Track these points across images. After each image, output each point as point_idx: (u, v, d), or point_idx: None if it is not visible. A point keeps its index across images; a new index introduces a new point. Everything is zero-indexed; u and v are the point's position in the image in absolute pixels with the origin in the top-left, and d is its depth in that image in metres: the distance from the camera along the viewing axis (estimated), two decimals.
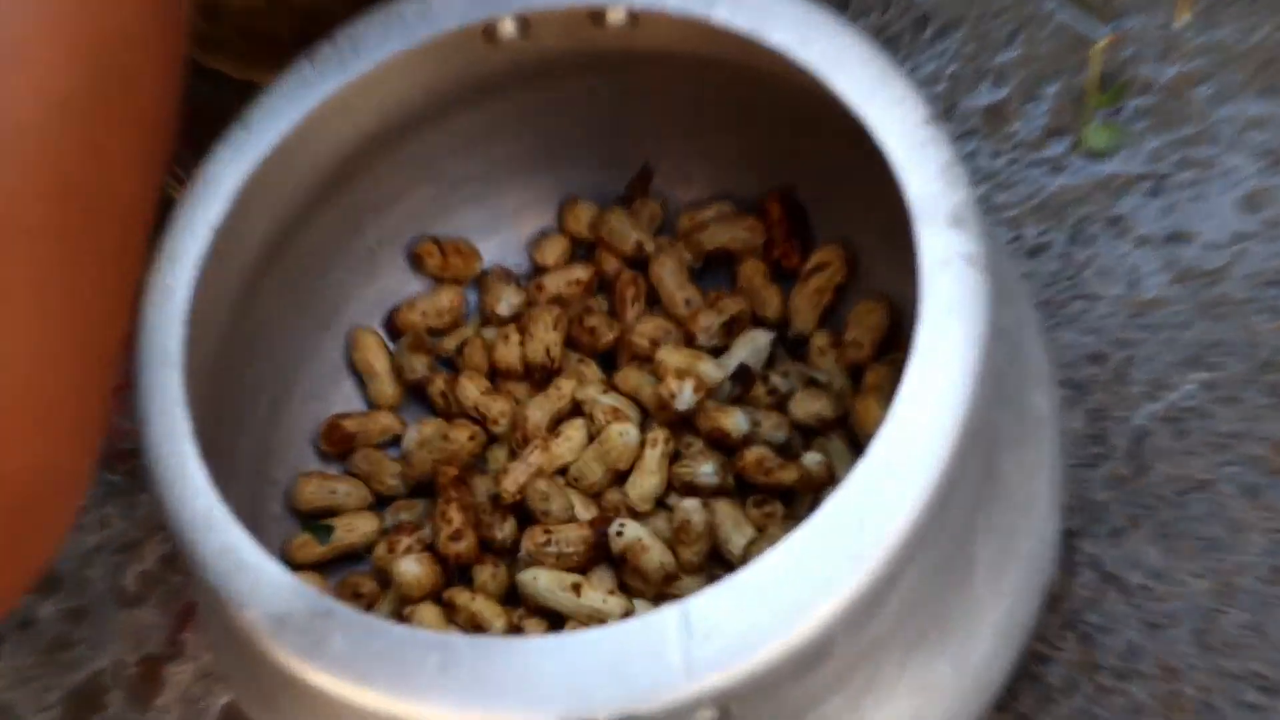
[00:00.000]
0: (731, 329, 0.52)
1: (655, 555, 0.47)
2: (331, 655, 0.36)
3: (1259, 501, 0.52)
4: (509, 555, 0.50)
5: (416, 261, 0.55)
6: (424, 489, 0.52)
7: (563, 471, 0.51)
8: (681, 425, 0.50)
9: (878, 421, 0.48)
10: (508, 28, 0.49)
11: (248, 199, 0.46)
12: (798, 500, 0.50)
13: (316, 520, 0.51)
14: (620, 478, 0.50)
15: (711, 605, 0.36)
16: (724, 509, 0.49)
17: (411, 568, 0.48)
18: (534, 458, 0.50)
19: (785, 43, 0.45)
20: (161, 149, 0.36)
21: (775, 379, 0.51)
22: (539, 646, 0.36)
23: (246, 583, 0.38)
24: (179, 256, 0.44)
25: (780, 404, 0.51)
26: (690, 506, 0.48)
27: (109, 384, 0.32)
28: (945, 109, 0.61)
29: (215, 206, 0.46)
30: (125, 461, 0.58)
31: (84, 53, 0.32)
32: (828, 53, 0.45)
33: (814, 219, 0.55)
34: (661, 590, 0.48)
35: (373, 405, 0.54)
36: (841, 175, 0.52)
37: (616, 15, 0.48)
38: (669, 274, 0.53)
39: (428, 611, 0.47)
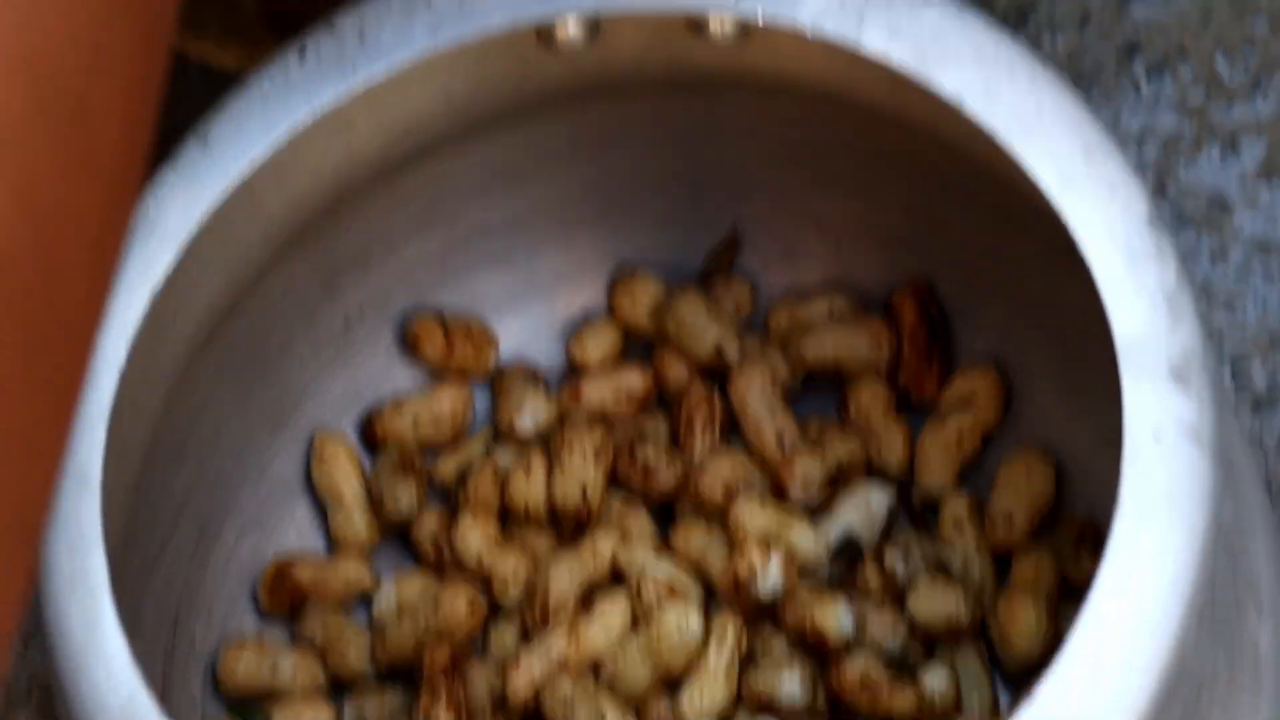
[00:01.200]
0: (837, 481, 0.55)
1: None
2: None
3: None
4: None
5: (411, 344, 0.58)
6: (401, 673, 0.55)
7: (595, 666, 0.53)
8: (759, 613, 0.53)
9: (1028, 634, 0.52)
10: (571, 30, 0.52)
11: (199, 249, 0.49)
12: None
13: (248, 707, 0.54)
14: (673, 682, 0.53)
15: None
16: None
17: None
18: (557, 645, 0.53)
19: (961, 89, 0.49)
20: (128, 192, 0.39)
21: (892, 559, 0.54)
22: None
23: None
24: (105, 332, 0.47)
25: (898, 596, 0.54)
26: None
27: (51, 485, 0.35)
28: (1155, 185, 0.64)
29: (157, 261, 0.49)
30: None
31: (22, 68, 0.35)
32: (1018, 109, 0.49)
33: (958, 329, 0.58)
34: None
35: (336, 545, 0.57)
36: (1000, 268, 0.56)
37: (722, 25, 0.51)
38: (756, 395, 0.56)
39: None
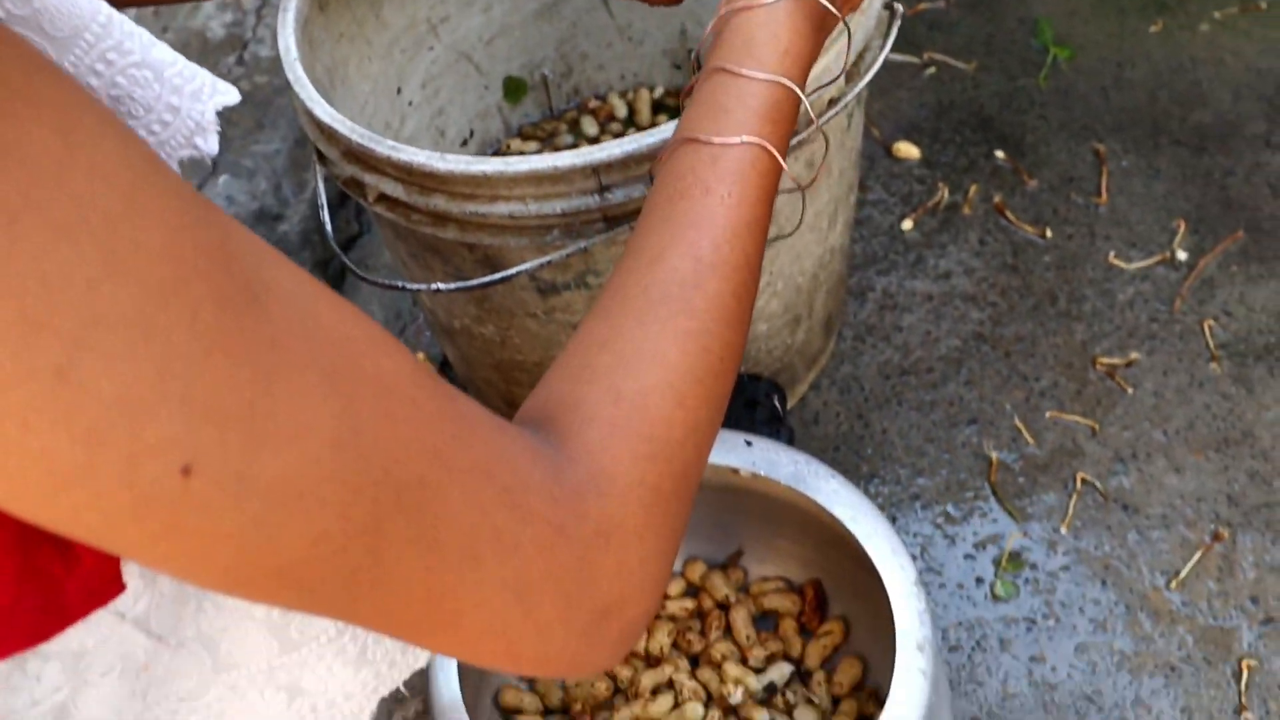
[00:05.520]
0: (770, 659, 1.25)
1: None
2: None
3: None
4: None
5: None
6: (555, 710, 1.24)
7: None
8: (728, 711, 1.23)
9: None
10: None
11: None
12: None
13: None
14: None
15: None
16: None
17: None
18: (637, 709, 1.22)
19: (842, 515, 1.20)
20: None
21: (790, 695, 1.23)
22: None
23: None
24: None
25: (788, 711, 1.23)
26: None
27: None
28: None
29: None
30: None
31: None
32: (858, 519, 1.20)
33: (831, 602, 1.28)
34: None
35: None
36: (853, 582, 1.26)
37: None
38: (741, 618, 1.27)
39: None
